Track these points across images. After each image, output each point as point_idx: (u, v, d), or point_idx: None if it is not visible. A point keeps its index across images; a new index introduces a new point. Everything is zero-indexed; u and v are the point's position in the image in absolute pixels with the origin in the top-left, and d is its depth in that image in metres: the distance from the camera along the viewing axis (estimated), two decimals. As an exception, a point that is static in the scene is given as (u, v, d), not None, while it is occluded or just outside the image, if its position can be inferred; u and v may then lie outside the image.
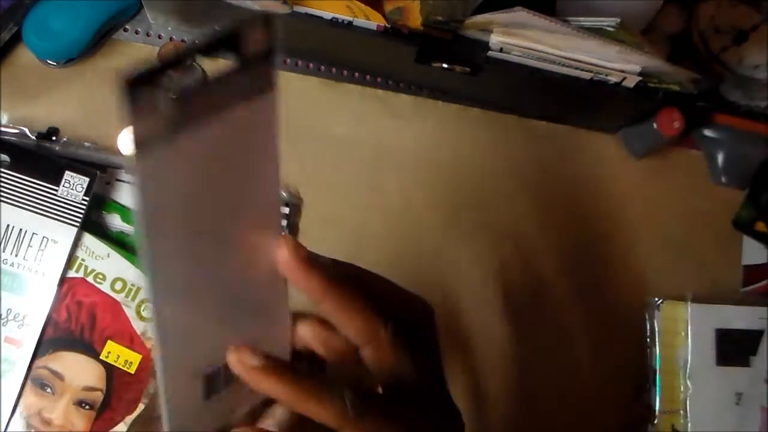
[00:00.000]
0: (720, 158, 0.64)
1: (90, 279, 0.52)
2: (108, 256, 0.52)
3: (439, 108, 0.62)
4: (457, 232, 0.60)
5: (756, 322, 0.58)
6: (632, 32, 0.53)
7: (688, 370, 0.57)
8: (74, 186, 0.52)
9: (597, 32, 0.51)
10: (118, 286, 0.52)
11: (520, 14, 0.49)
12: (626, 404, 0.59)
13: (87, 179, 0.52)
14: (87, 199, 0.52)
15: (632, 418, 0.58)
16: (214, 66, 0.24)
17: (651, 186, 0.64)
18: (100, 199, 0.54)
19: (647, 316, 0.59)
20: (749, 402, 0.56)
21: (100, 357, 0.51)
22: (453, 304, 0.58)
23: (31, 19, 0.56)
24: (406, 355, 0.31)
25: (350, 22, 0.53)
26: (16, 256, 0.51)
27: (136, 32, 0.60)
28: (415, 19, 0.53)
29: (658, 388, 0.57)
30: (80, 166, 0.52)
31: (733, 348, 0.57)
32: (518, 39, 0.53)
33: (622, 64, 0.54)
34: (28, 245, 0.51)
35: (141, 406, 0.51)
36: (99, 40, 0.59)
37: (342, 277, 0.31)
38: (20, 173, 0.52)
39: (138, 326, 0.51)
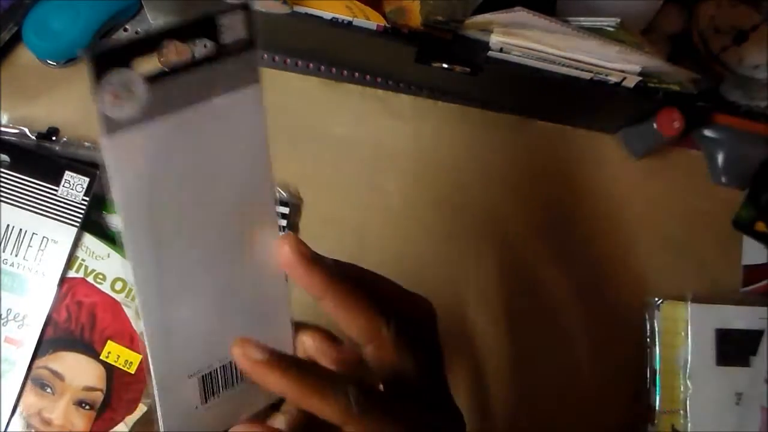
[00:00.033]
0: (720, 158, 0.64)
1: (90, 279, 0.52)
2: (108, 256, 0.52)
3: (439, 108, 0.62)
4: (456, 232, 0.60)
5: (756, 322, 0.58)
6: (632, 32, 0.53)
7: (688, 370, 0.57)
8: (74, 186, 0.52)
9: (597, 32, 0.51)
10: (119, 286, 0.52)
11: (520, 14, 0.49)
12: (626, 404, 0.59)
13: (87, 179, 0.52)
14: (87, 199, 0.52)
15: (632, 418, 0.58)
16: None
17: (651, 186, 0.64)
18: (100, 199, 0.53)
19: (647, 316, 0.59)
20: (749, 402, 0.56)
21: (100, 357, 0.51)
22: (453, 304, 0.58)
23: (31, 19, 0.56)
24: (408, 354, 0.31)
25: (350, 22, 0.53)
26: (16, 256, 0.51)
27: (137, 32, 0.60)
28: (415, 19, 0.53)
29: (658, 388, 0.57)
30: (80, 166, 0.52)
31: (733, 348, 0.57)
32: (518, 39, 0.53)
33: (622, 64, 0.54)
34: (28, 245, 0.51)
35: (141, 406, 0.51)
36: (99, 40, 0.59)
37: (344, 276, 0.31)
38: (20, 173, 0.52)
39: (138, 326, 0.51)
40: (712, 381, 0.57)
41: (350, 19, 0.53)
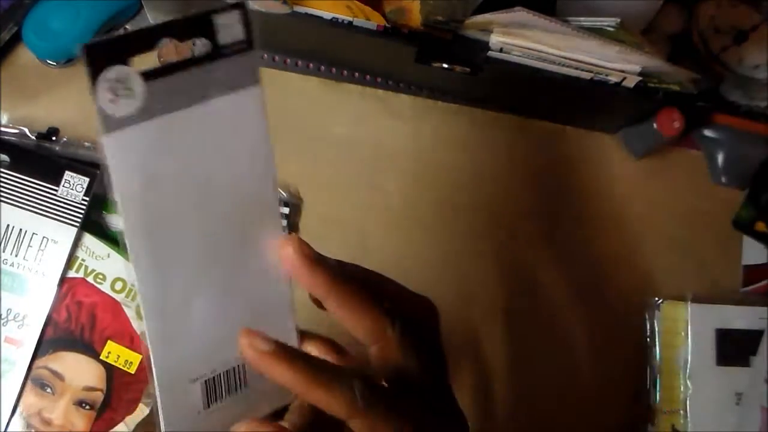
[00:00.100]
0: (720, 158, 0.64)
1: (90, 279, 0.52)
2: (108, 256, 0.52)
3: (439, 108, 0.62)
4: (457, 232, 0.60)
5: (756, 322, 0.58)
6: (632, 32, 0.53)
7: (688, 370, 0.57)
8: (74, 186, 0.52)
9: (597, 32, 0.51)
10: (119, 286, 0.52)
11: (520, 14, 0.49)
12: (626, 404, 0.59)
13: (87, 179, 0.52)
14: (87, 199, 0.52)
15: (632, 418, 0.58)
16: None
17: (651, 186, 0.64)
18: (101, 199, 0.53)
19: (647, 316, 0.59)
20: (749, 402, 0.56)
21: (101, 357, 0.51)
22: (453, 305, 0.58)
23: (31, 19, 0.56)
24: (413, 354, 0.31)
25: (350, 22, 0.53)
26: (16, 256, 0.51)
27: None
28: (415, 19, 0.53)
29: (658, 388, 0.57)
30: (80, 166, 0.52)
31: (733, 348, 0.57)
32: (518, 39, 0.53)
33: (622, 64, 0.54)
34: (28, 245, 0.51)
35: (141, 406, 0.51)
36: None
37: (348, 276, 0.31)
38: (20, 173, 0.52)
39: (138, 326, 0.51)
40: (712, 381, 0.57)
41: (350, 19, 0.53)
